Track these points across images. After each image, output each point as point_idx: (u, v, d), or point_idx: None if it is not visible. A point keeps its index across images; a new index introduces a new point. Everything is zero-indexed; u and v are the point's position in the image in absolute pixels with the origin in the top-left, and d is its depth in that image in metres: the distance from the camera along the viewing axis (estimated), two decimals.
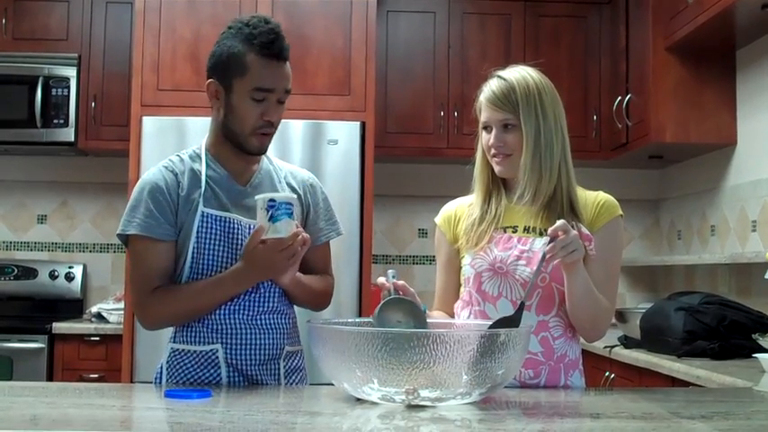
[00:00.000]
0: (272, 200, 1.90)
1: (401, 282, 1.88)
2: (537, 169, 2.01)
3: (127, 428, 1.54)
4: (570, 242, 1.82)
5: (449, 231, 2.15)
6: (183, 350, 2.07)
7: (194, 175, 2.07)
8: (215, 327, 2.05)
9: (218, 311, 2.04)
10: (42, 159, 4.66)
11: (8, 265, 4.51)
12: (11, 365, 3.89)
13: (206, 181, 2.06)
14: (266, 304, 2.07)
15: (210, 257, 2.03)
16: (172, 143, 3.73)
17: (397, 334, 1.61)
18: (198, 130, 3.76)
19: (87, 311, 4.36)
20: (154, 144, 3.76)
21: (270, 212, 1.90)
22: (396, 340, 1.57)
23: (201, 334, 2.05)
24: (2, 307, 4.46)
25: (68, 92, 4.26)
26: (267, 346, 2.07)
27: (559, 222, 1.84)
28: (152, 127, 3.78)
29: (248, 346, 2.05)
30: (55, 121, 4.24)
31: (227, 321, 2.04)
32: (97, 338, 3.99)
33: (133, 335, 3.71)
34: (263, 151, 2.10)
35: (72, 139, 4.27)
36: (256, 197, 1.95)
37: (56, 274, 4.51)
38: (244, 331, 2.05)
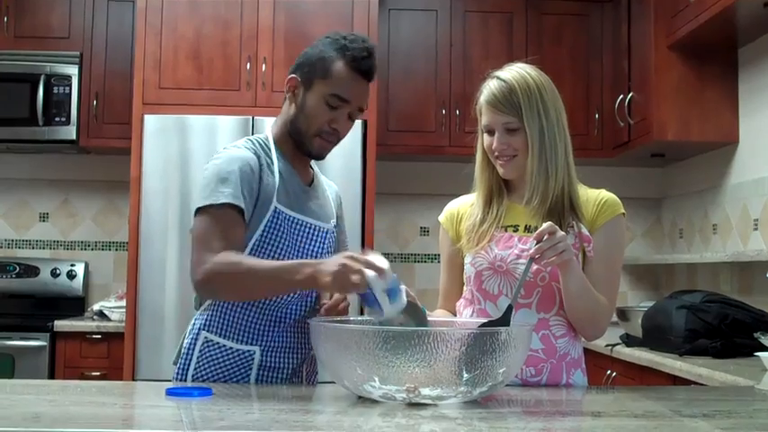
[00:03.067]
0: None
1: (403, 286, 1.88)
2: (543, 170, 2.00)
3: (129, 426, 1.54)
4: (557, 243, 1.82)
5: (451, 229, 2.15)
6: (218, 343, 2.02)
7: (268, 165, 2.03)
8: (256, 326, 2.02)
9: (261, 313, 2.01)
10: (44, 157, 4.66)
11: (10, 263, 4.52)
12: (12, 363, 3.90)
13: (279, 174, 2.03)
14: (307, 307, 2.05)
15: (273, 254, 1.99)
16: (173, 141, 3.74)
17: (398, 332, 1.61)
18: (200, 128, 3.77)
19: (89, 309, 4.36)
20: (155, 142, 3.76)
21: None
22: (397, 338, 1.57)
23: (240, 331, 2.01)
24: (4, 305, 4.46)
25: (70, 90, 4.26)
26: (301, 349, 2.07)
27: (545, 225, 1.83)
28: (154, 125, 3.78)
29: (285, 349, 2.04)
30: (57, 119, 4.25)
31: (270, 324, 2.02)
32: (99, 336, 3.99)
33: (135, 333, 3.71)
34: (322, 156, 2.08)
35: (74, 137, 4.27)
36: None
37: (58, 272, 4.52)
38: (284, 335, 2.04)
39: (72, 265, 4.55)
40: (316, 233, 2.06)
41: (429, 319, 1.90)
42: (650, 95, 3.89)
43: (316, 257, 2.04)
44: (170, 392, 1.74)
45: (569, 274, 1.91)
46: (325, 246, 2.10)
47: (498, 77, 2.02)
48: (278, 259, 1.98)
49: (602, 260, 2.01)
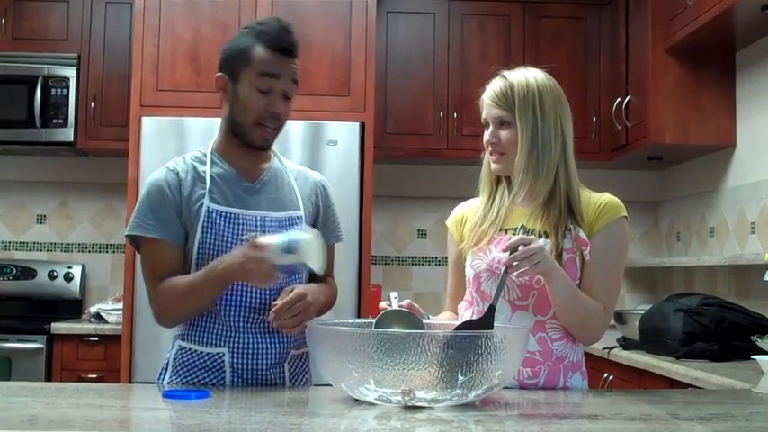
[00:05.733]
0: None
1: (407, 300, 1.89)
2: (533, 168, 2.02)
3: (125, 429, 1.54)
4: (533, 253, 1.84)
5: (456, 233, 2.18)
6: (190, 349, 2.07)
7: (198, 174, 2.09)
8: (223, 329, 2.04)
9: (226, 314, 2.04)
10: (42, 159, 4.66)
11: (7, 265, 4.51)
12: (9, 365, 3.89)
13: (211, 178, 2.08)
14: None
15: (217, 253, 2.02)
16: (171, 143, 3.73)
17: (393, 335, 1.61)
18: (197, 130, 3.77)
19: (86, 312, 4.36)
20: (153, 144, 3.76)
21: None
22: (392, 341, 1.57)
23: (209, 335, 2.06)
24: (1, 307, 4.45)
25: (68, 92, 4.26)
26: (273, 350, 2.07)
27: (517, 237, 1.87)
28: (151, 127, 3.78)
29: (255, 351, 2.05)
30: (54, 121, 4.24)
31: (236, 325, 2.04)
32: (96, 339, 3.98)
33: (132, 335, 3.71)
34: (267, 146, 2.11)
35: (71, 139, 4.27)
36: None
37: (55, 274, 4.51)
38: (251, 336, 2.05)
39: (69, 268, 4.54)
40: (262, 223, 2.06)
41: (431, 321, 1.91)
42: (648, 99, 3.89)
43: None
44: (167, 395, 1.74)
45: (553, 283, 1.92)
46: (282, 233, 2.08)
47: (503, 75, 2.07)
48: (222, 253, 2.01)
49: (600, 264, 2.01)
